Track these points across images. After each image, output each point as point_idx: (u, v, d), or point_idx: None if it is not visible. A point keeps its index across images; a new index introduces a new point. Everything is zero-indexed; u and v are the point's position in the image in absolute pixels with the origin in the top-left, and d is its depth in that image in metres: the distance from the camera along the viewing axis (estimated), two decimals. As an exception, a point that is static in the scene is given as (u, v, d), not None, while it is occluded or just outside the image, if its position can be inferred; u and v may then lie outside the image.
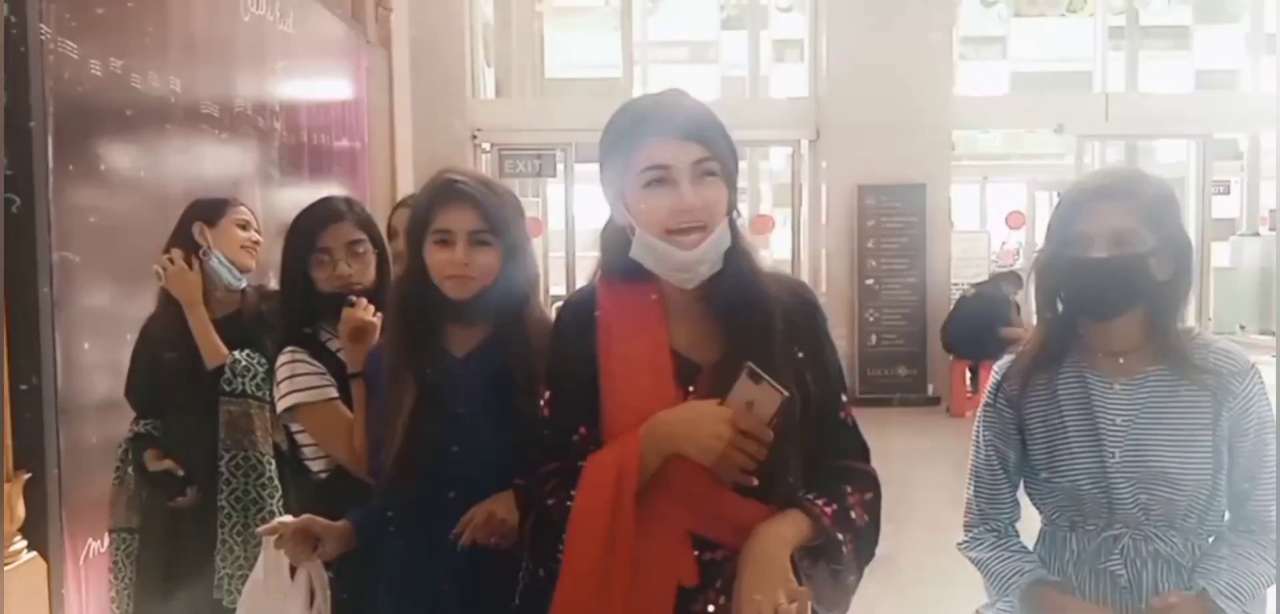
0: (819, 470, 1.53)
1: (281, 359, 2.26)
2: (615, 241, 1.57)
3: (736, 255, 1.52)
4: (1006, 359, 1.92)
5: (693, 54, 21.45)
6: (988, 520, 1.92)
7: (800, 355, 1.52)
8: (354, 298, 2.21)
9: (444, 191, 1.87)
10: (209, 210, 2.93)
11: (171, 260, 2.81)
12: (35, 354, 3.08)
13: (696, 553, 1.47)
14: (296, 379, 2.22)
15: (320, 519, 1.93)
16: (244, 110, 4.73)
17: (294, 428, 2.30)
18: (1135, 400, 1.76)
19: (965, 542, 1.94)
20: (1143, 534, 1.75)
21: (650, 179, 1.48)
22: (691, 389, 1.50)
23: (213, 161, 4.35)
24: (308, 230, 2.32)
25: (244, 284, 2.92)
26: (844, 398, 1.60)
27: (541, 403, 1.60)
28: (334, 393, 2.23)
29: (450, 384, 1.86)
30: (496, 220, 1.85)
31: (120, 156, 3.67)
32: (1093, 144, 11.12)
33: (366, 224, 2.37)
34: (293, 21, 5.36)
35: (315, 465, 2.29)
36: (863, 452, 1.60)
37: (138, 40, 3.77)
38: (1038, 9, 12.19)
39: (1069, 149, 11.01)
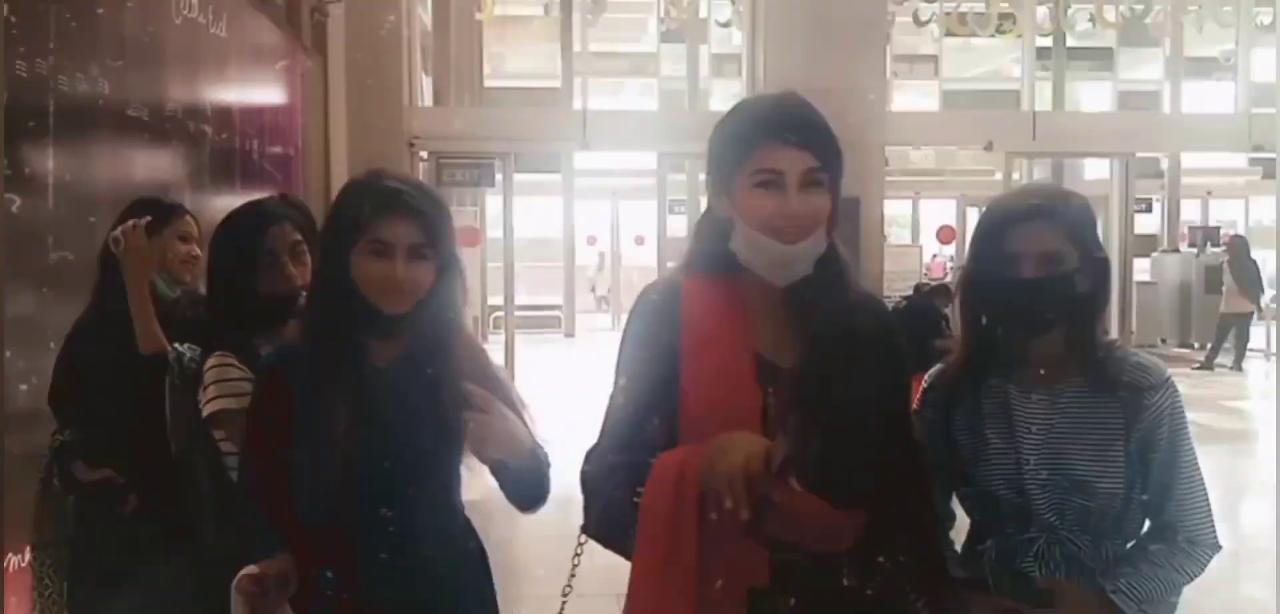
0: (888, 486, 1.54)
1: (210, 362, 2.20)
2: (712, 233, 1.60)
3: (828, 263, 1.57)
4: (935, 370, 1.96)
5: (633, 67, 21.50)
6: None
7: (876, 374, 1.55)
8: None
9: (385, 200, 1.77)
10: (156, 211, 2.83)
11: (134, 227, 2.65)
12: (-44, 362, 2.99)
13: (769, 554, 1.48)
14: (225, 384, 2.16)
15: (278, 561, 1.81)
16: (174, 114, 4.64)
17: (217, 434, 2.23)
18: (1052, 411, 1.80)
19: None
20: (1057, 538, 1.79)
21: (761, 181, 1.52)
22: (771, 390, 1.52)
23: (142, 166, 4.27)
24: (248, 232, 2.27)
25: (178, 294, 2.85)
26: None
27: (615, 390, 1.59)
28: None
29: (377, 395, 1.79)
30: (435, 233, 1.78)
31: (46, 160, 3.58)
32: (1021, 161, 11.43)
33: (307, 226, 2.32)
34: (226, 25, 5.28)
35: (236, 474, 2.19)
36: (925, 486, 1.67)
37: (64, 41, 3.69)
38: (969, 29, 12.47)
39: (998, 166, 11.31)
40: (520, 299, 10.15)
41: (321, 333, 1.81)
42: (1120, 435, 1.77)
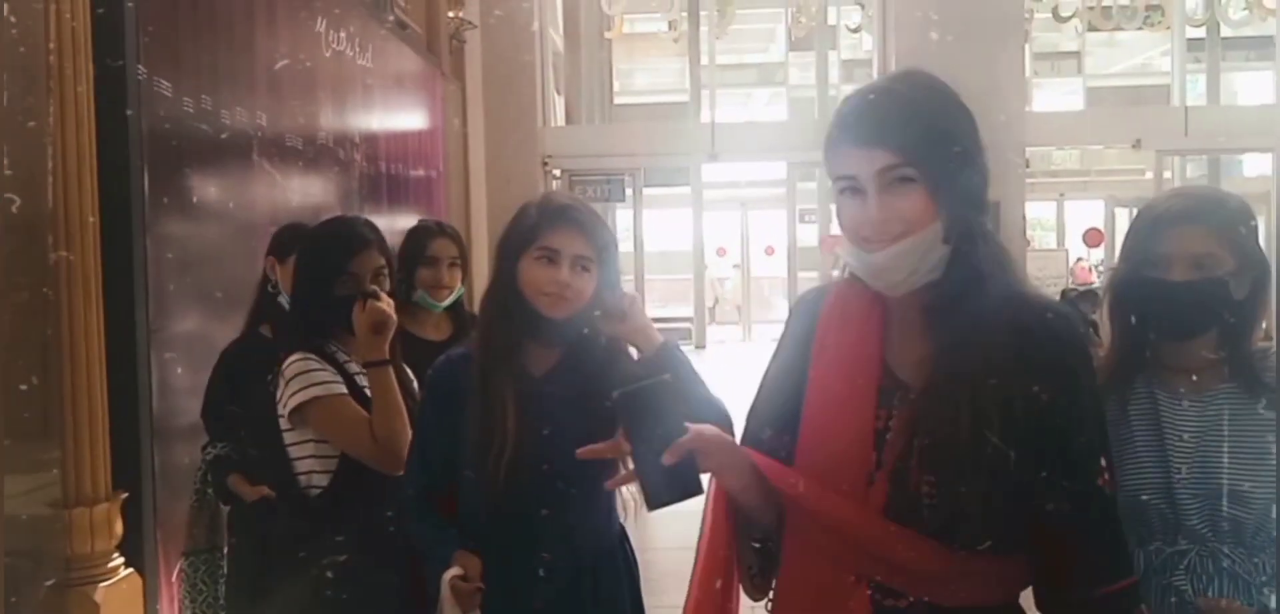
0: (1055, 543, 1.32)
1: (290, 361, 2.29)
2: None
3: (961, 266, 1.34)
4: None
5: (761, 76, 21.41)
6: None
7: (1039, 394, 1.30)
8: (375, 289, 2.27)
9: (556, 213, 1.90)
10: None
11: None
12: (133, 378, 3.22)
13: (877, 598, 1.32)
14: (309, 377, 2.25)
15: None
16: (326, 142, 4.89)
17: (294, 437, 2.31)
18: (1204, 417, 1.75)
19: None
20: (1208, 550, 1.72)
21: (842, 188, 1.38)
22: (892, 411, 1.35)
23: (297, 192, 4.51)
24: (337, 251, 2.37)
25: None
26: (1103, 462, 1.34)
27: (761, 381, 1.53)
28: (344, 389, 2.27)
29: (534, 402, 1.89)
30: (601, 249, 1.90)
31: (210, 188, 3.83)
32: (1172, 159, 10.85)
33: (389, 253, 2.44)
34: (371, 55, 5.53)
35: (314, 478, 2.29)
36: (1114, 533, 1.36)
37: (227, 77, 3.93)
38: (1113, 23, 11.91)
39: (1148, 165, 10.77)
40: (650, 312, 10.22)
41: (487, 337, 1.92)
42: (1275, 443, 1.70)
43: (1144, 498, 1.76)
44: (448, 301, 3.00)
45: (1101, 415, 1.39)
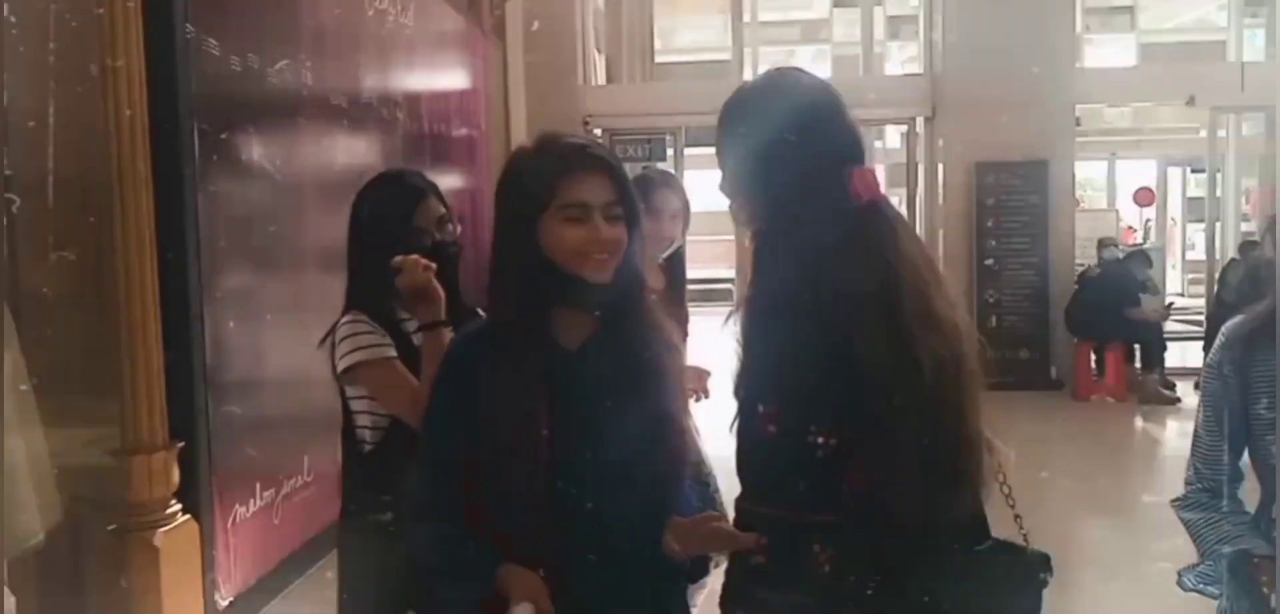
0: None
1: (343, 322, 2.23)
2: None
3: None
4: (1237, 320, 1.84)
5: (804, 33, 21.15)
6: (1203, 479, 1.86)
7: None
8: (414, 258, 2.13)
9: (575, 158, 1.60)
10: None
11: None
12: (186, 333, 3.31)
13: None
14: (358, 339, 2.20)
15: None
16: (370, 101, 4.94)
17: (350, 392, 2.26)
18: None
19: (1178, 499, 1.89)
20: None
21: None
22: None
23: (342, 151, 4.57)
24: (400, 209, 2.27)
25: None
26: None
27: None
28: (393, 353, 2.19)
29: (574, 380, 1.60)
30: (627, 191, 1.62)
31: (258, 147, 3.89)
32: (1228, 117, 10.58)
33: (446, 201, 2.35)
34: (413, 14, 5.56)
35: (366, 434, 2.25)
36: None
37: (272, 36, 3.98)
38: (1169, -24, 11.66)
39: (1202, 122, 10.50)
40: (692, 273, 10.19)
41: (517, 304, 1.60)
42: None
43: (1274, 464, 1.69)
44: None
45: None
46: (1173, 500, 1.89)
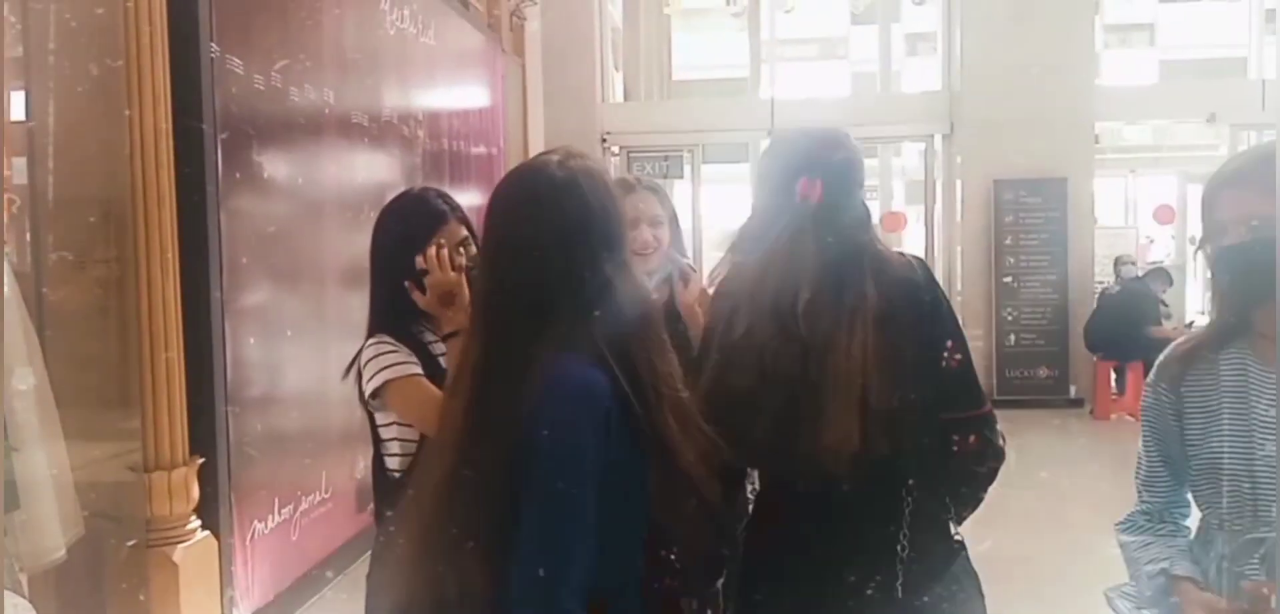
0: None
1: (367, 346, 2.20)
2: None
3: None
4: (1175, 342, 1.84)
5: (822, 51, 21.19)
6: (1144, 502, 1.85)
7: None
8: (443, 254, 2.15)
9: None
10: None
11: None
12: (208, 348, 3.33)
13: None
14: (382, 359, 2.17)
15: None
16: (391, 119, 4.97)
17: (379, 418, 2.22)
18: None
19: (1120, 522, 1.88)
20: None
21: None
22: None
23: (363, 168, 4.59)
24: (422, 228, 2.25)
25: None
26: None
27: None
28: (418, 370, 2.16)
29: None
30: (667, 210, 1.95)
31: (280, 164, 3.92)
32: (1248, 134, 10.50)
33: (469, 221, 2.32)
34: (434, 33, 5.59)
35: (396, 461, 2.22)
36: None
37: (295, 55, 4.01)
38: (1189, -7, 11.60)
39: (1222, 140, 10.43)
40: (710, 289, 10.25)
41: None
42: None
43: (1227, 476, 1.67)
44: None
45: None
46: (1116, 524, 1.87)
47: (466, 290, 2.14)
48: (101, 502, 3.09)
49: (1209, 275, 1.75)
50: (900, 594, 1.69)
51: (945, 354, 1.74)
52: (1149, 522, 1.83)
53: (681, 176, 10.70)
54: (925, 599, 1.70)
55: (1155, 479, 1.83)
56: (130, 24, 3.02)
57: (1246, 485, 1.65)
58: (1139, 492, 1.86)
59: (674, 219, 2.68)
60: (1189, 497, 1.80)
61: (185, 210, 3.17)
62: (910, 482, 1.71)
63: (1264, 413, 1.64)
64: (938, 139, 10.29)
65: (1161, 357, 1.81)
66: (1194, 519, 1.81)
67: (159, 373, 3.08)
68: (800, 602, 1.74)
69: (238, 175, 3.55)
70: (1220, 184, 1.70)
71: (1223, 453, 1.68)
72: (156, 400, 3.09)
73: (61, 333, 3.08)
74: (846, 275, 1.73)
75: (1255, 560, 1.62)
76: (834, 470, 1.64)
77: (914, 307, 1.73)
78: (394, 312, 2.24)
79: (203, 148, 3.32)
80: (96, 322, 3.31)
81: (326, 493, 4.08)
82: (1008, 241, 9.60)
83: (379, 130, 4.80)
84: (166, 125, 3.10)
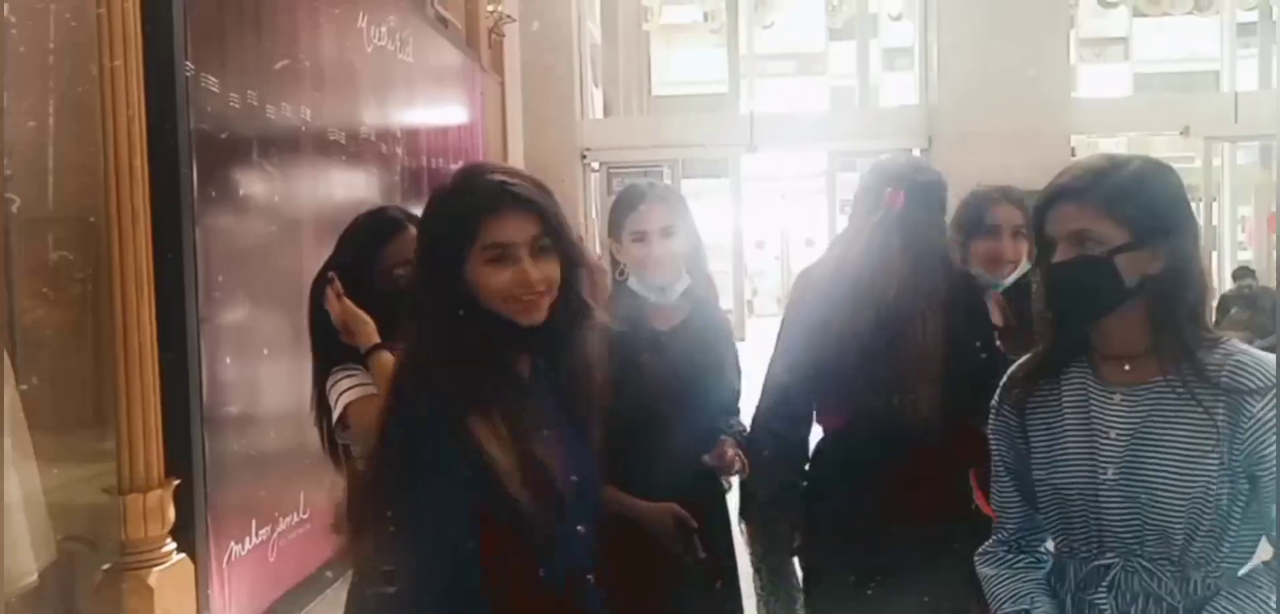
0: None
1: (327, 386, 2.18)
2: None
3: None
4: (1018, 361, 1.75)
5: (801, 66, 21.25)
6: (1001, 530, 1.76)
7: None
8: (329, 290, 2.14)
9: (495, 197, 1.51)
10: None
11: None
12: (183, 368, 3.30)
13: None
14: (339, 385, 2.16)
15: None
16: (368, 137, 4.95)
17: (354, 451, 2.17)
18: (1135, 413, 1.54)
19: (980, 553, 1.79)
20: (1133, 568, 1.53)
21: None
22: None
23: (341, 186, 4.57)
24: (367, 247, 2.26)
25: None
26: None
27: None
28: (372, 389, 2.11)
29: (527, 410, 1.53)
30: (555, 222, 1.54)
31: (257, 182, 3.89)
32: (1222, 146, 10.63)
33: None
34: (412, 51, 5.58)
35: None
36: None
37: (271, 73, 3.99)
38: (1161, 8, 11.71)
39: (1197, 152, 10.57)
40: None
41: (452, 360, 1.48)
42: (1213, 448, 1.48)
43: (1070, 500, 1.58)
44: None
45: None
46: (976, 554, 1.79)
47: (356, 311, 2.13)
48: (75, 524, 3.05)
49: (1042, 296, 1.64)
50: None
51: (981, 343, 2.21)
52: (1007, 553, 1.74)
53: (661, 192, 10.73)
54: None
55: (1008, 505, 1.74)
56: (104, 40, 3.00)
57: (1091, 512, 1.57)
58: (997, 519, 1.77)
59: (693, 227, 2.48)
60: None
61: (160, 228, 3.14)
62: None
63: (1104, 437, 1.56)
64: (916, 152, 10.36)
65: (1004, 378, 1.74)
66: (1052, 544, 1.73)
67: (134, 393, 3.04)
68: (869, 534, 2.15)
69: (214, 193, 3.52)
70: (1051, 199, 1.61)
71: (1067, 478, 1.59)
72: (132, 421, 3.05)
73: (34, 352, 3.04)
74: (921, 267, 2.21)
75: (1103, 589, 1.56)
76: (911, 424, 2.10)
77: (971, 297, 2.29)
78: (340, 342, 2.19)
79: (178, 166, 3.29)
80: (70, 340, 3.27)
81: (305, 513, 4.04)
82: (986, 255, 9.67)
83: (357, 148, 4.79)
84: (141, 143, 3.07)
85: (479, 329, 1.49)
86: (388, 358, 2.05)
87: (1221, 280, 10.51)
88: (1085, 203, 1.55)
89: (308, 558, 4.02)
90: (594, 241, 10.28)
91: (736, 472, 2.29)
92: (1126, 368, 1.56)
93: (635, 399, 2.24)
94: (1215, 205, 11.14)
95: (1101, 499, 1.54)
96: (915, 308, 2.15)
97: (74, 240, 3.21)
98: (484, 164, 1.72)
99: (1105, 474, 1.54)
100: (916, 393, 2.12)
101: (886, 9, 13.34)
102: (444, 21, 6.58)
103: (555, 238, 1.53)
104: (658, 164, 10.60)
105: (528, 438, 1.47)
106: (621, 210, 2.47)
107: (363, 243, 2.28)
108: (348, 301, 2.17)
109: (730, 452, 2.27)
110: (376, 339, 2.14)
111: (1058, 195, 1.60)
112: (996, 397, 1.73)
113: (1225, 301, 9.22)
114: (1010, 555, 1.73)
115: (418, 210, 2.23)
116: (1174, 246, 1.54)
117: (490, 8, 7.65)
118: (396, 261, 2.21)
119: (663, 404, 2.33)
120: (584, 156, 10.23)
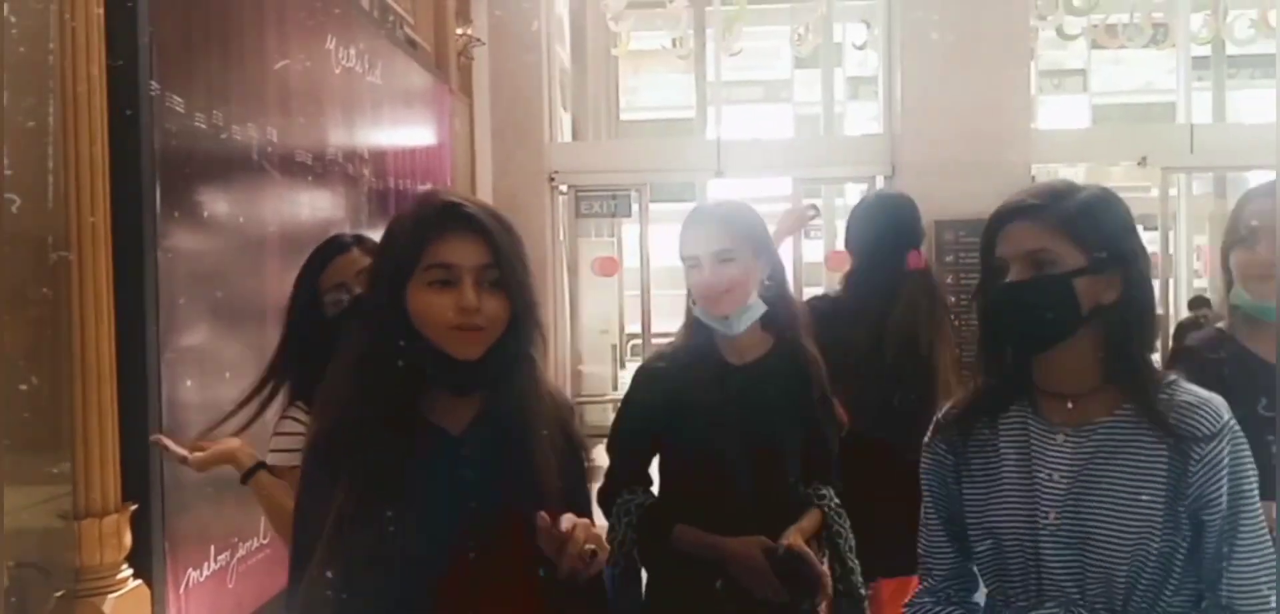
0: None
1: (278, 422, 2.16)
2: None
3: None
4: (950, 402, 1.69)
5: (767, 93, 21.45)
6: (931, 579, 1.66)
7: None
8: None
9: (443, 216, 1.43)
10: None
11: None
12: (142, 390, 3.25)
13: None
14: (277, 440, 2.12)
15: None
16: (335, 158, 4.92)
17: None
18: (1080, 454, 1.46)
19: (907, 605, 1.71)
20: None
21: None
22: None
23: (306, 207, 4.54)
24: (310, 270, 2.24)
25: None
26: None
27: None
28: (290, 462, 2.02)
29: (453, 468, 1.44)
30: (507, 254, 1.43)
31: (221, 203, 3.85)
32: (1178, 176, 10.83)
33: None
34: (381, 72, 5.57)
35: None
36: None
37: (238, 93, 3.96)
38: (1119, 41, 11.94)
39: (1153, 182, 10.76)
40: (657, 326, 10.33)
41: (372, 394, 1.41)
42: (1161, 492, 1.41)
43: (1006, 546, 1.50)
44: None
45: None
46: (904, 605, 1.71)
47: (220, 447, 2.20)
48: (28, 550, 2.99)
49: (987, 324, 1.57)
50: None
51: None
52: (935, 604, 1.64)
53: (629, 215, 10.74)
54: None
55: (937, 550, 1.64)
56: (67, 59, 2.96)
57: (1031, 559, 1.47)
58: (925, 567, 1.66)
59: (763, 246, 2.20)
60: (976, 570, 1.62)
61: (121, 251, 3.10)
62: None
63: (1047, 480, 1.47)
64: (879, 180, 10.47)
65: (939, 415, 1.66)
66: (982, 594, 1.65)
67: (90, 415, 2.99)
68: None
69: (176, 213, 3.48)
70: (1004, 218, 1.53)
71: (1005, 523, 1.50)
72: (88, 444, 2.99)
73: (-11, 375, 2.98)
74: (920, 307, 3.07)
75: None
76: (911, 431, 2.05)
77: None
78: (296, 369, 2.20)
79: (140, 186, 3.25)
80: (28, 362, 3.21)
81: (265, 538, 3.99)
82: (949, 280, 9.76)
83: (323, 169, 4.75)
84: (103, 163, 3.03)
85: (397, 372, 1.39)
86: (268, 478, 2.09)
87: (1178, 308, 10.70)
88: (1044, 222, 1.49)
89: (267, 584, 3.96)
90: (561, 264, 10.27)
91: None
92: (1070, 406, 1.49)
93: (695, 441, 2.05)
94: (1171, 234, 11.35)
95: (1042, 545, 1.45)
96: (917, 340, 3.08)
97: (32, 258, 3.16)
98: (446, 190, 1.62)
99: (1047, 519, 1.46)
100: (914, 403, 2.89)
101: (851, 38, 13.49)
102: (413, 43, 6.57)
103: (506, 272, 1.42)
104: (626, 188, 10.61)
105: (410, 501, 1.38)
106: (682, 230, 2.27)
107: (312, 269, 2.25)
108: (202, 451, 2.16)
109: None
110: (249, 462, 2.11)
111: (1013, 214, 1.53)
112: (929, 435, 1.64)
113: (1182, 329, 9.38)
114: (938, 607, 1.64)
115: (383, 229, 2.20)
116: (1129, 275, 1.50)
117: (460, 30, 7.65)
118: (331, 284, 2.15)
119: (729, 450, 2.07)
120: (552, 179, 10.21)
